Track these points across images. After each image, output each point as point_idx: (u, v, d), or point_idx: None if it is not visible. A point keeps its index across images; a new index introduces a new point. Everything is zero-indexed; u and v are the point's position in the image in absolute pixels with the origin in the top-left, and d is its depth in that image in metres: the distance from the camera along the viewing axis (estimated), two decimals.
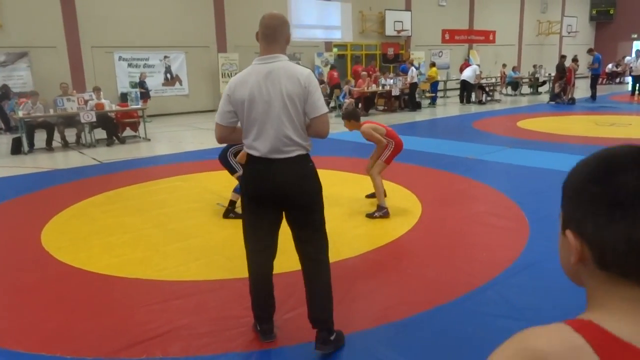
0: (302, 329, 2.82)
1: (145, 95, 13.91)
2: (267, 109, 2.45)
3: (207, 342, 2.78)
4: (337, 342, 2.64)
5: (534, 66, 20.66)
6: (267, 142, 2.48)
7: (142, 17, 15.28)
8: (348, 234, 4.49)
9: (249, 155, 2.59)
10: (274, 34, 2.50)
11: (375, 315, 3.02)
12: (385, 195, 5.05)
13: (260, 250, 2.73)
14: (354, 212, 5.15)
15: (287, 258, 3.08)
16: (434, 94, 17.34)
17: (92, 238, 4.59)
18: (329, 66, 18.56)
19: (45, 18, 13.71)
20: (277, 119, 2.45)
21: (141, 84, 14.30)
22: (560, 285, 3.31)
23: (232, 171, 5.09)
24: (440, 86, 20.56)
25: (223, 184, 6.47)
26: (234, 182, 5.37)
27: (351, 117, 5.07)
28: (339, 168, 7.18)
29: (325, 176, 6.81)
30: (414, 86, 15.40)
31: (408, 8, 22.20)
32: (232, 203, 5.14)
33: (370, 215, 4.93)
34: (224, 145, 5.00)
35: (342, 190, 5.95)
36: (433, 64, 18.05)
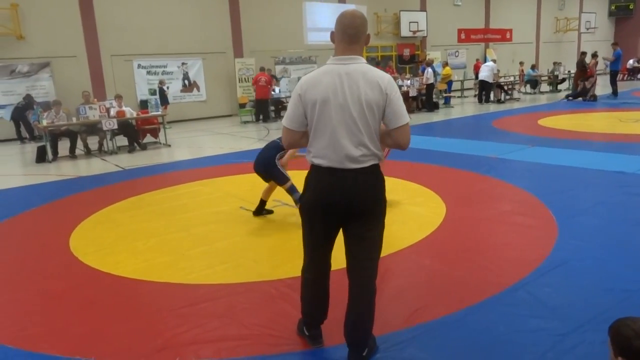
0: (334, 331, 2.81)
1: (164, 102, 14.08)
2: (342, 114, 2.27)
3: (239, 344, 2.78)
4: (369, 353, 2.56)
5: (554, 63, 20.37)
6: (341, 150, 2.29)
7: (159, 25, 15.48)
8: None
9: (315, 166, 2.40)
10: (356, 34, 2.32)
11: (405, 316, 2.99)
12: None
13: (318, 258, 2.60)
14: None
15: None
16: (448, 94, 17.20)
17: (118, 243, 4.64)
18: None
19: (66, 29, 13.98)
20: (354, 125, 2.27)
21: (161, 91, 14.48)
22: (592, 284, 3.27)
23: (282, 181, 4.90)
24: (457, 86, 20.44)
25: (244, 188, 6.51)
26: (256, 186, 5.39)
27: None
28: None
29: None
30: (430, 87, 15.32)
31: (423, 8, 22.11)
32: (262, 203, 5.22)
33: None
34: (265, 152, 4.96)
35: None
36: (446, 63, 17.92)
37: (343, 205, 2.35)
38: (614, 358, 1.73)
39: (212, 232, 4.80)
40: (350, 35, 2.31)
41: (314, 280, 2.64)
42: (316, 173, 2.41)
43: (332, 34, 2.39)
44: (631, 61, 25.72)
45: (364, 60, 2.35)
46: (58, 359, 2.75)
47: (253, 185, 6.63)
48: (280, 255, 4.14)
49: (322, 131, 2.32)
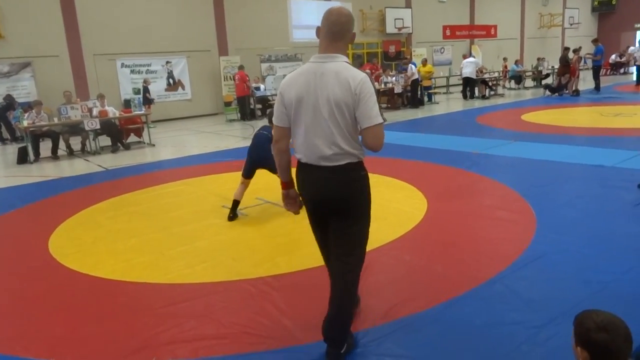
0: (313, 329, 2.82)
1: (148, 101, 13.95)
2: (313, 114, 2.30)
3: (216, 344, 2.77)
4: (348, 349, 2.56)
5: (538, 59, 20.55)
6: (314, 149, 2.33)
7: (143, 24, 15.34)
8: None
9: (298, 161, 2.46)
10: (340, 31, 2.31)
11: (384, 311, 3.00)
12: None
13: (322, 248, 2.71)
14: None
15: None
16: (431, 91, 17.17)
17: (98, 244, 4.60)
18: None
19: (47, 27, 13.80)
20: (325, 126, 2.28)
21: (145, 90, 14.35)
22: (569, 276, 3.30)
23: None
24: (443, 82, 20.54)
25: (227, 186, 6.47)
26: (238, 184, 5.36)
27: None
28: None
29: None
30: (415, 83, 15.33)
31: (408, 5, 22.17)
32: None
33: None
34: (262, 151, 5.05)
35: None
36: (425, 60, 17.77)
37: (319, 200, 2.43)
38: (574, 347, 1.76)
39: (193, 232, 4.78)
40: (334, 32, 2.31)
41: (326, 265, 2.72)
42: (299, 168, 2.49)
43: (317, 29, 2.39)
44: (613, 56, 26.01)
45: (344, 58, 2.33)
46: None
47: (236, 183, 6.60)
48: (260, 253, 4.13)
49: (298, 129, 2.38)
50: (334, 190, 2.37)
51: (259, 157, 5.14)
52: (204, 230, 4.80)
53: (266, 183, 5.73)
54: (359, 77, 2.25)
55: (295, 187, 2.60)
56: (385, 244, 4.11)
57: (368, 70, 14.60)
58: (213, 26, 16.81)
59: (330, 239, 2.52)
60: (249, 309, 3.15)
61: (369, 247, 3.98)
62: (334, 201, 2.39)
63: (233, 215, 5.14)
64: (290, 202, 2.67)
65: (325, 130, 2.30)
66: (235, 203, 5.18)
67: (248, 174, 5.24)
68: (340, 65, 2.29)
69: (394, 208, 5.04)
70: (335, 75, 2.26)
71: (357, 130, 2.33)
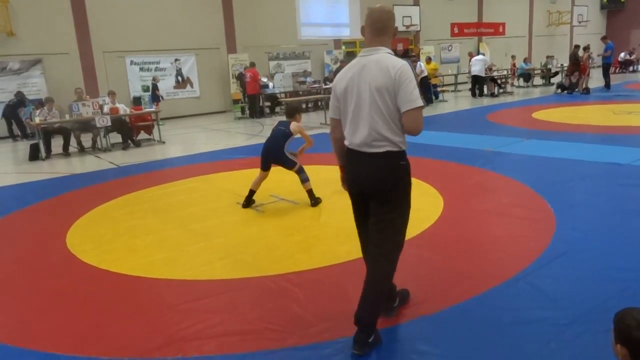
0: (336, 326, 2.82)
1: (157, 99, 13.97)
2: (358, 102, 2.47)
3: (243, 339, 2.77)
4: (375, 343, 2.58)
5: (547, 57, 20.44)
6: (359, 135, 2.48)
7: (152, 21, 15.37)
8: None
9: (346, 148, 2.62)
10: (384, 27, 2.49)
11: (408, 309, 2.99)
12: None
13: (360, 234, 2.78)
14: None
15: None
16: (437, 89, 17.08)
17: (116, 240, 4.61)
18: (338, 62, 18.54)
19: (57, 25, 13.84)
20: (367, 113, 2.44)
21: (154, 87, 14.38)
22: (592, 274, 3.28)
23: (292, 164, 5.28)
24: (451, 80, 20.46)
25: (240, 184, 6.47)
26: (251, 181, 5.38)
27: (295, 112, 5.37)
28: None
29: (332, 172, 6.78)
30: (424, 80, 15.25)
31: (416, 3, 22.10)
32: (311, 191, 5.35)
33: None
34: (274, 144, 5.25)
35: None
36: (429, 59, 17.65)
37: (360, 185, 2.58)
38: (614, 345, 1.75)
39: (210, 228, 4.78)
40: (378, 28, 2.50)
41: (363, 254, 2.79)
42: (347, 153, 2.64)
43: (362, 28, 2.57)
44: (622, 54, 25.85)
45: (386, 50, 2.49)
46: (60, 357, 2.73)
47: (250, 180, 6.60)
48: (279, 250, 4.13)
49: (345, 118, 2.57)
50: (372, 176, 2.50)
51: (269, 150, 5.30)
52: (221, 227, 4.80)
53: (280, 180, 5.73)
54: (399, 64, 2.41)
55: None
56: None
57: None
58: (222, 24, 16.82)
59: (369, 225, 2.62)
60: (271, 306, 3.15)
61: None
62: (370, 187, 2.52)
63: (247, 204, 5.34)
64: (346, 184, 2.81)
65: (367, 116, 2.44)
66: (251, 192, 5.37)
67: (262, 167, 5.37)
68: (382, 55, 2.46)
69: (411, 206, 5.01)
70: (376, 63, 2.42)
71: (398, 117, 2.43)
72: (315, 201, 5.32)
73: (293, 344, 2.71)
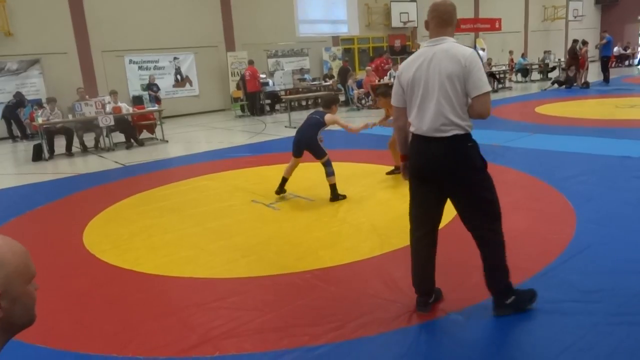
0: (370, 322, 2.81)
1: (155, 98, 13.87)
2: (426, 89, 2.57)
3: (277, 337, 2.75)
4: (517, 304, 2.74)
5: (545, 52, 20.51)
6: (426, 121, 2.58)
7: (150, 20, 15.27)
8: (391, 225, 4.44)
9: (412, 134, 2.71)
10: (449, 19, 2.62)
11: (444, 303, 2.98)
12: None
13: (419, 221, 2.82)
14: (389, 202, 5.11)
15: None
16: None
17: (134, 239, 4.58)
18: (339, 60, 18.53)
19: (55, 25, 13.73)
20: (435, 99, 2.54)
21: (150, 87, 14.25)
22: (619, 267, 3.30)
23: (322, 155, 5.32)
24: None
25: (252, 181, 6.47)
26: (265, 179, 5.38)
27: (387, 95, 5.36)
28: (352, 160, 7.15)
29: (345, 169, 6.77)
30: None
31: None
32: (334, 187, 5.37)
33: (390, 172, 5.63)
34: (308, 131, 5.35)
35: (371, 181, 5.91)
36: None
37: (430, 169, 2.65)
38: None
39: (228, 227, 4.76)
40: (444, 20, 2.62)
41: (416, 241, 2.86)
42: (413, 140, 2.73)
43: (426, 22, 2.69)
44: (616, 48, 25.97)
45: (452, 40, 2.61)
46: (91, 357, 2.71)
47: (262, 178, 6.61)
48: (301, 247, 4.11)
49: (413, 105, 2.66)
50: (442, 160, 2.59)
51: (302, 136, 5.39)
52: (238, 225, 4.78)
53: (294, 177, 5.69)
54: (468, 51, 2.54)
55: None
56: None
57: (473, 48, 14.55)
58: (220, 22, 16.74)
59: (456, 209, 2.76)
60: (301, 302, 3.13)
61: (404, 243, 4.02)
62: (442, 170, 2.61)
63: (279, 191, 5.52)
64: (407, 172, 2.90)
65: (436, 102, 2.54)
66: (283, 180, 5.51)
67: (294, 153, 5.46)
68: (449, 44, 2.57)
69: None
70: (445, 52, 2.53)
71: (466, 103, 2.55)
72: (335, 197, 5.31)
73: (328, 341, 2.69)
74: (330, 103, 5.54)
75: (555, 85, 16.04)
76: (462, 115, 2.55)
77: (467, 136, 2.59)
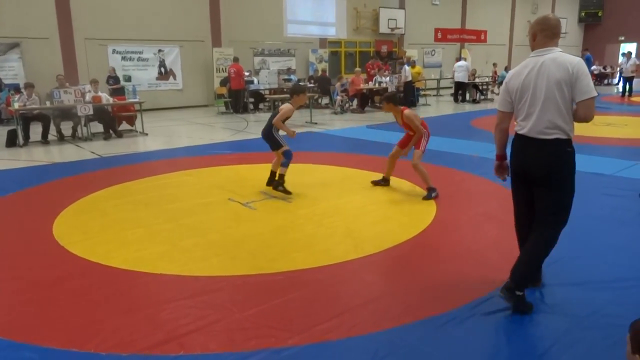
0: (340, 325, 2.81)
1: (119, 92, 13.07)
2: (534, 95, 2.81)
3: (244, 337, 2.73)
4: (521, 304, 2.91)
5: None
6: (532, 123, 2.83)
7: (136, 10, 15.08)
8: (367, 230, 4.47)
9: (517, 134, 2.94)
10: (558, 32, 2.89)
11: (407, 311, 3.00)
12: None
13: (518, 213, 3.18)
14: (367, 207, 5.13)
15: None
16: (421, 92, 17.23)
17: (105, 232, 4.50)
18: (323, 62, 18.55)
19: (37, 8, 13.45)
20: (542, 103, 2.78)
21: (108, 80, 13.70)
22: (586, 280, 3.36)
23: (278, 146, 5.57)
24: (434, 84, 20.71)
25: (230, 179, 6.42)
26: (242, 177, 5.36)
27: (390, 100, 5.59)
28: (333, 163, 7.16)
29: (326, 172, 6.75)
30: (408, 84, 15.38)
31: (402, 6, 22.25)
32: (281, 177, 5.58)
33: (427, 197, 5.34)
34: (267, 122, 5.63)
35: (349, 186, 5.92)
36: (414, 63, 17.68)
37: (528, 168, 2.90)
38: (630, 354, 1.77)
39: (203, 224, 4.71)
40: (555, 33, 2.89)
41: (518, 230, 3.22)
42: (516, 139, 2.98)
43: (533, 34, 2.93)
44: (594, 67, 26.54)
45: (558, 50, 2.85)
46: (54, 351, 2.65)
47: (240, 176, 6.57)
48: (275, 248, 4.09)
49: (521, 109, 2.90)
50: (539, 160, 2.84)
51: (263, 130, 5.70)
52: (213, 223, 4.73)
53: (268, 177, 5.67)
54: (575, 60, 2.78)
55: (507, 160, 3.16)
56: (399, 244, 4.11)
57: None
58: (207, 16, 16.61)
59: (535, 205, 2.97)
60: (271, 304, 3.11)
61: (383, 246, 4.04)
62: (537, 170, 2.85)
63: (269, 183, 5.78)
64: (501, 170, 3.28)
65: (542, 107, 2.78)
66: (272, 174, 5.79)
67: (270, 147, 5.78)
68: (557, 54, 2.83)
69: (404, 209, 5.05)
70: (553, 60, 2.79)
71: (571, 108, 2.79)
72: (281, 187, 5.53)
73: (296, 343, 2.68)
74: (292, 92, 5.71)
75: None
76: (567, 120, 2.78)
77: (568, 141, 2.82)
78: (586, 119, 2.77)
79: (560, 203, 2.91)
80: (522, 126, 2.89)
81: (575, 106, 2.77)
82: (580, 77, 2.72)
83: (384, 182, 5.92)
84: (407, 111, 5.52)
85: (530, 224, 3.05)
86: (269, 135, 5.59)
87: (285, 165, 5.54)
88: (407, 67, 15.52)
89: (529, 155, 2.87)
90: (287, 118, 5.59)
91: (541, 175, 2.86)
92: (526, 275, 2.96)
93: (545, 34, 2.88)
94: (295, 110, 5.70)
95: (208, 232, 4.48)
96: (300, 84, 11.78)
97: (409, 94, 15.49)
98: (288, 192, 5.51)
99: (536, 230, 2.98)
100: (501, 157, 3.22)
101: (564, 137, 2.80)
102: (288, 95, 14.57)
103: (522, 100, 2.88)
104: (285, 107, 5.61)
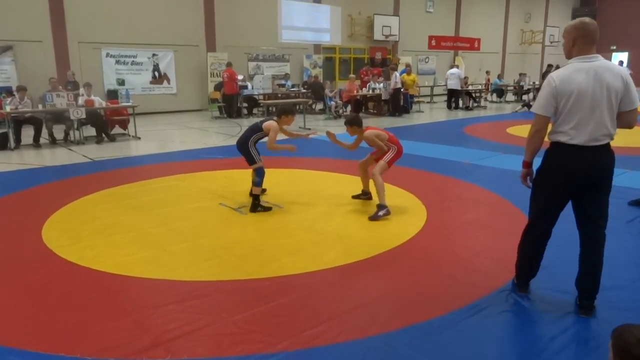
0: (328, 330, 2.81)
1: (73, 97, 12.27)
2: (592, 102, 2.78)
3: (231, 343, 2.73)
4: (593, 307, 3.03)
5: (520, 74, 21.03)
6: (587, 131, 2.81)
7: (130, 14, 15.06)
8: (357, 235, 4.48)
9: (559, 143, 2.89)
10: (597, 37, 2.86)
11: (396, 317, 3.01)
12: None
13: (548, 220, 3.12)
14: (358, 213, 5.14)
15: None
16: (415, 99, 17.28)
17: (95, 236, 4.48)
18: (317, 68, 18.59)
19: (31, 11, 13.40)
20: (600, 111, 2.79)
21: (67, 85, 12.76)
22: (574, 288, 3.36)
23: (252, 162, 5.23)
24: (427, 91, 20.81)
25: (222, 184, 6.42)
26: (234, 182, 5.34)
27: (353, 124, 5.20)
28: (326, 169, 7.17)
29: (318, 177, 6.75)
30: (397, 92, 15.36)
31: (396, 13, 22.38)
32: (256, 197, 5.26)
33: (373, 218, 4.88)
34: (245, 133, 5.34)
35: (341, 191, 5.93)
36: (410, 70, 17.76)
37: (583, 176, 2.87)
38: None
39: (193, 228, 4.70)
40: (595, 38, 2.87)
41: (537, 238, 3.21)
42: (560, 149, 2.91)
43: (571, 40, 2.89)
44: None
45: (602, 57, 2.85)
46: (40, 356, 2.63)
47: (231, 181, 6.57)
48: (265, 253, 4.09)
49: (573, 116, 2.82)
50: (599, 166, 2.87)
51: (239, 139, 5.36)
52: (203, 228, 4.73)
53: (265, 183, 5.66)
54: (624, 70, 2.88)
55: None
56: (389, 250, 4.12)
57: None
58: (202, 21, 16.62)
59: (582, 208, 3.00)
60: (260, 309, 3.11)
61: (373, 252, 4.06)
62: (595, 176, 2.87)
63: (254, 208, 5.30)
64: (530, 179, 3.20)
65: (599, 115, 2.79)
66: (256, 197, 5.37)
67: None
68: (606, 62, 2.86)
69: (394, 215, 5.06)
70: (607, 69, 2.81)
71: (616, 114, 2.85)
72: (259, 208, 5.20)
73: (284, 349, 2.68)
74: (280, 112, 5.34)
75: (526, 109, 16.42)
76: (614, 125, 2.87)
77: (610, 144, 2.90)
78: (630, 125, 2.91)
79: (607, 204, 2.99)
80: (572, 135, 2.84)
81: (620, 113, 2.85)
82: (631, 87, 2.82)
83: (365, 196, 5.60)
84: (367, 132, 5.09)
85: (550, 229, 3.15)
86: (245, 148, 5.23)
87: (257, 184, 5.21)
88: (397, 74, 15.56)
89: (587, 163, 2.85)
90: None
91: (598, 181, 2.89)
92: (599, 282, 3.03)
93: (586, 39, 2.86)
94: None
95: (198, 236, 4.47)
96: (290, 101, 11.45)
97: (397, 102, 15.44)
98: (268, 209, 5.25)
99: (587, 237, 3.03)
100: (530, 164, 3.17)
101: (610, 140, 2.89)
102: (281, 99, 14.82)
103: (575, 107, 2.81)
104: (271, 126, 5.21)
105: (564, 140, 2.87)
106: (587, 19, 2.92)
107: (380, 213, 4.88)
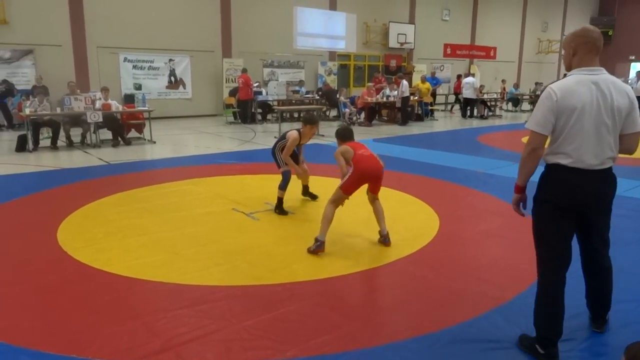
0: (337, 338, 2.80)
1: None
2: (597, 120, 2.45)
3: (241, 348, 2.73)
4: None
5: (536, 83, 20.87)
6: (592, 153, 2.47)
7: (148, 20, 15.28)
8: (369, 243, 4.47)
9: (557, 165, 2.52)
10: (601, 46, 2.55)
11: (405, 327, 2.99)
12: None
13: (563, 258, 2.66)
14: (368, 222, 5.12)
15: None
16: (426, 107, 17.22)
17: (109, 239, 4.53)
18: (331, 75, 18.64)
19: (52, 16, 13.68)
20: (605, 131, 2.47)
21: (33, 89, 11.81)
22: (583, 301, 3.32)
23: (279, 166, 5.57)
24: (442, 100, 20.74)
25: (235, 189, 6.46)
26: (247, 188, 5.38)
27: (336, 135, 4.82)
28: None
29: (330, 184, 6.75)
30: (405, 100, 15.27)
31: (412, 21, 22.38)
32: (279, 200, 5.44)
33: (309, 248, 4.21)
34: (276, 140, 5.66)
35: (353, 199, 5.91)
36: (424, 78, 17.74)
37: (584, 202, 2.56)
38: None
39: (205, 233, 4.73)
40: (599, 47, 2.54)
41: (558, 281, 2.66)
42: (559, 172, 2.54)
43: (574, 48, 2.56)
44: None
45: (605, 71, 2.55)
46: (52, 357, 2.66)
47: (244, 186, 6.60)
48: (276, 259, 4.10)
49: (574, 135, 2.47)
50: (603, 190, 2.59)
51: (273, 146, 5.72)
52: (216, 233, 4.75)
53: (274, 187, 5.71)
54: (628, 87, 2.60)
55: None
56: (401, 258, 4.11)
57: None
58: (219, 27, 16.80)
59: (585, 237, 2.77)
60: (269, 315, 3.12)
61: (384, 261, 4.04)
62: (599, 201, 2.61)
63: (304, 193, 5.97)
64: (524, 205, 2.85)
65: (605, 135, 2.48)
66: (279, 199, 5.57)
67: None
68: (611, 77, 2.54)
69: (407, 223, 5.05)
70: (613, 84, 2.50)
71: (619, 135, 2.55)
72: (277, 210, 5.41)
73: (293, 356, 2.68)
74: (305, 121, 5.56)
75: None
76: (617, 148, 2.56)
77: (612, 168, 2.61)
78: (631, 150, 2.59)
79: (609, 225, 2.79)
80: (575, 157, 2.47)
81: (622, 135, 2.54)
82: (635, 106, 2.50)
83: (384, 241, 4.55)
84: (339, 148, 4.58)
85: (565, 271, 2.67)
86: (273, 153, 5.67)
87: (282, 187, 5.42)
88: (404, 83, 15.47)
89: (590, 188, 2.52)
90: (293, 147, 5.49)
91: (603, 208, 2.66)
92: (610, 302, 2.94)
93: (588, 48, 2.52)
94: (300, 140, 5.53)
95: (210, 241, 4.50)
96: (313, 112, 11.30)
97: (405, 110, 15.35)
98: (285, 213, 5.35)
99: (602, 267, 2.83)
100: (524, 189, 2.75)
101: (613, 164, 2.58)
102: (295, 106, 14.87)
103: (578, 124, 2.45)
104: (291, 136, 5.38)
105: (565, 163, 2.49)
106: (590, 26, 2.61)
107: (312, 248, 4.19)
